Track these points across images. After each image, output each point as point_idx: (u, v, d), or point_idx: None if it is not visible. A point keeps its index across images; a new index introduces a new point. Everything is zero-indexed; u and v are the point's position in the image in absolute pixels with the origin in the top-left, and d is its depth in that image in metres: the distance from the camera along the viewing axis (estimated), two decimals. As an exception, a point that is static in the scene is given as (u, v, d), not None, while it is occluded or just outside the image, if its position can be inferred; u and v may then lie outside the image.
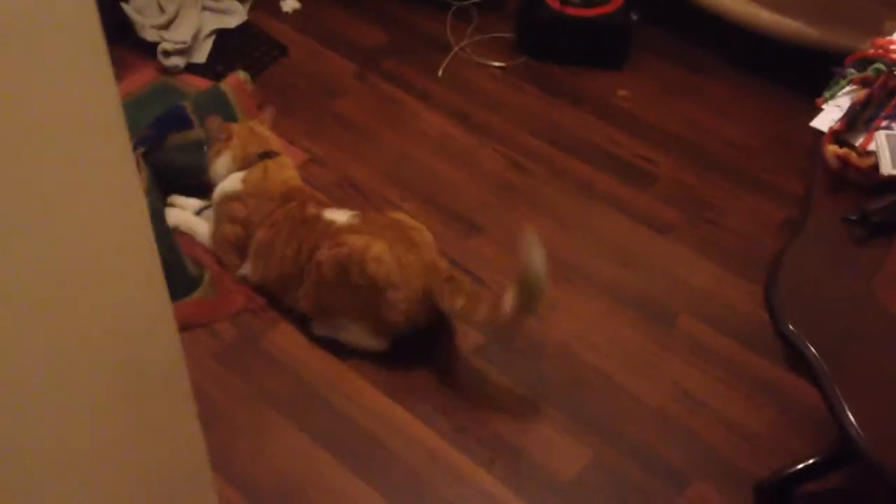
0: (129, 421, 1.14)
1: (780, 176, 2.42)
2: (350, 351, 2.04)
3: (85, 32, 0.86)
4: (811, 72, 2.57)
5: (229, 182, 2.18)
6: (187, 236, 2.25)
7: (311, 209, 2.08)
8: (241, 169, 2.19)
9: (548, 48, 2.73)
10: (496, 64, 2.75)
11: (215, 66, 2.70)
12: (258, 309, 2.12)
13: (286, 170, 2.21)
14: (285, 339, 2.09)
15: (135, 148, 2.29)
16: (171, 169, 2.31)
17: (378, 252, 1.92)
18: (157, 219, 2.19)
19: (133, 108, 2.58)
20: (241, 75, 2.60)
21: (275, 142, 2.26)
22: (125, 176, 0.98)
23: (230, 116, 2.47)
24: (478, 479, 1.87)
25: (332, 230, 2.01)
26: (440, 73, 2.72)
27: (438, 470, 1.88)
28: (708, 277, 2.21)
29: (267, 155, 2.20)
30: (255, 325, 2.11)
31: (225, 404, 1.98)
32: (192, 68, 2.70)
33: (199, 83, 2.65)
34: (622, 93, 2.66)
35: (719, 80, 2.70)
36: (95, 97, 0.90)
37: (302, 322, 2.10)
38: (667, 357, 2.06)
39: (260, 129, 2.26)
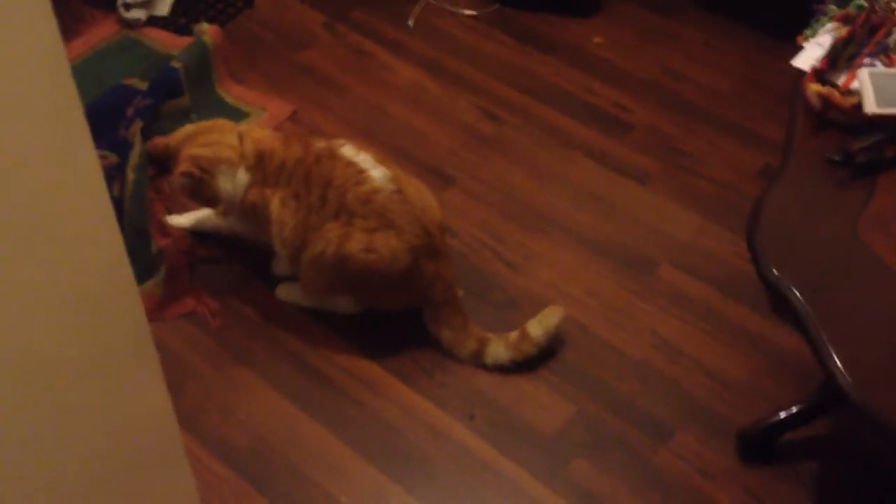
0: (93, 382, 1.10)
1: (757, 122, 2.39)
2: (323, 312, 2.00)
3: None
4: (786, 14, 2.53)
5: (239, 185, 1.93)
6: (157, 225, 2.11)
7: (318, 144, 1.92)
8: (239, 165, 1.94)
9: (521, -5, 2.67)
10: (468, 12, 2.68)
11: (178, 19, 2.62)
12: (210, 313, 2.01)
13: (258, 129, 2.04)
14: (258, 298, 2.04)
15: (132, 122, 2.22)
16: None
17: (404, 264, 1.85)
18: (139, 198, 2.11)
19: (93, 64, 2.50)
20: (206, 28, 2.52)
21: (225, 121, 2.05)
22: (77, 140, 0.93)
23: (208, 78, 2.40)
24: (457, 435, 1.84)
25: (366, 191, 1.84)
26: (411, 22, 2.65)
27: (417, 426, 1.84)
28: (687, 226, 2.17)
29: (240, 134, 1.98)
30: (228, 284, 2.06)
31: (197, 365, 1.94)
32: (154, 21, 2.61)
33: (162, 37, 2.57)
34: (597, 40, 2.60)
35: (694, 24, 2.64)
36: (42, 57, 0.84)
37: (274, 282, 2.05)
38: (646, 308, 2.03)
39: (213, 126, 2.01)
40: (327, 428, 1.84)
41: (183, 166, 1.92)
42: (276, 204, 1.90)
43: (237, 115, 2.38)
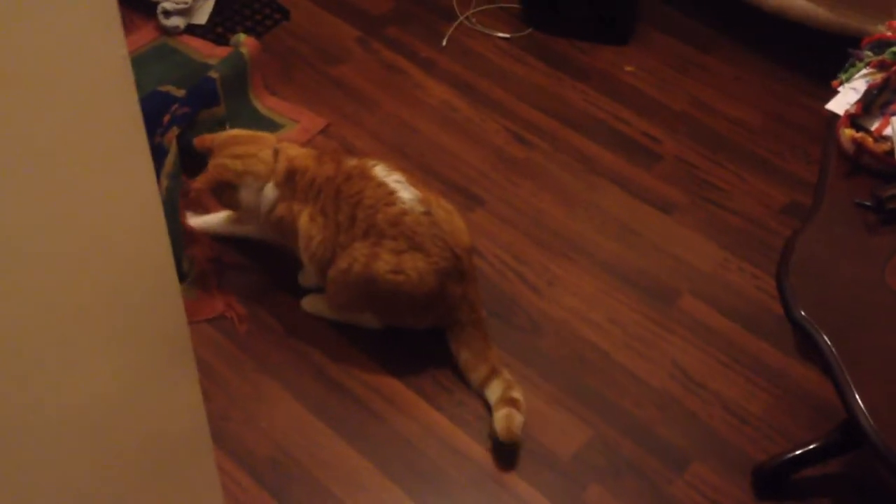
0: (132, 387, 1.13)
1: (785, 158, 2.40)
2: (348, 326, 2.02)
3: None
4: (819, 54, 2.56)
5: (266, 200, 1.97)
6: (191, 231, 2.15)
7: (350, 162, 1.94)
8: (268, 180, 1.97)
9: (554, 21, 2.70)
10: (501, 35, 2.71)
11: (216, 28, 2.66)
12: (237, 318, 2.04)
13: (298, 147, 2.05)
14: (284, 308, 2.06)
15: (168, 128, 2.25)
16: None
17: (430, 287, 1.87)
18: (172, 204, 2.14)
19: (132, 68, 2.54)
20: (243, 38, 2.56)
21: (265, 134, 2.09)
22: (134, 140, 0.96)
23: (244, 89, 2.43)
24: (475, 453, 1.86)
25: (395, 212, 1.86)
26: (444, 42, 2.68)
27: (434, 443, 1.87)
28: (710, 259, 2.19)
29: (276, 150, 2.00)
30: (254, 293, 2.09)
31: (223, 373, 1.96)
32: (192, 29, 2.65)
33: (199, 45, 2.61)
34: (629, 69, 2.62)
35: (726, 58, 2.67)
36: (105, 56, 0.87)
37: (300, 293, 2.08)
38: (667, 337, 2.04)
39: (249, 137, 2.05)
40: (347, 441, 1.87)
41: (203, 177, 1.97)
42: (305, 219, 1.93)
43: (270, 125, 2.42)
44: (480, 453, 1.86)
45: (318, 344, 2.01)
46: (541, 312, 2.08)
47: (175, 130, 2.24)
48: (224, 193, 2.00)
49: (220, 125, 2.33)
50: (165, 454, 1.26)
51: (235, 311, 2.05)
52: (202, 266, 2.09)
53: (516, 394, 1.86)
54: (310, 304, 2.06)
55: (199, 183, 2.01)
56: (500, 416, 1.84)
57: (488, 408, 1.89)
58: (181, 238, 2.11)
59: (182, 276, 2.07)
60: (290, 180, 1.96)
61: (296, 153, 2.00)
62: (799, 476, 1.81)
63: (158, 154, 2.21)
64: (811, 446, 1.77)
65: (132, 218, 1.00)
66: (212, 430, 1.85)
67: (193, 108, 2.31)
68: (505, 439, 1.82)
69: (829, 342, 1.23)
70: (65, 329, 0.97)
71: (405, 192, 1.90)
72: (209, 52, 2.58)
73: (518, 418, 1.83)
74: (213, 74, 2.39)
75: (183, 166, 2.22)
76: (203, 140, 2.09)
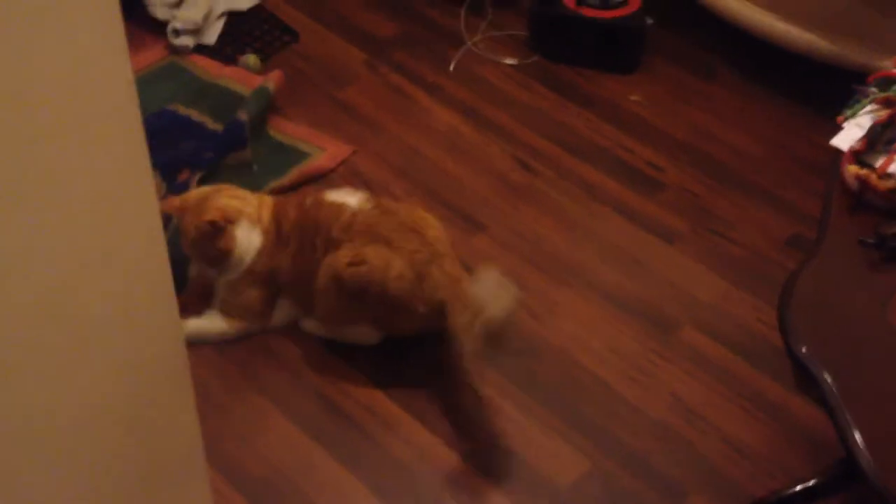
0: (127, 407, 1.12)
1: (788, 190, 2.40)
2: (345, 346, 2.02)
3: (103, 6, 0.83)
4: (823, 86, 2.56)
5: (251, 248, 1.98)
6: None
7: (307, 199, 2.01)
8: (256, 226, 1.99)
9: (561, 49, 2.71)
10: (508, 61, 2.72)
11: (224, 49, 2.67)
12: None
13: (267, 197, 2.08)
14: (283, 329, 2.06)
15: (192, 171, 2.25)
16: None
17: (399, 271, 1.86)
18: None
19: (139, 86, 2.52)
20: (252, 59, 2.57)
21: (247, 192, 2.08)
22: (136, 160, 0.96)
23: (264, 123, 2.44)
24: (471, 481, 1.85)
25: (346, 218, 1.93)
26: (452, 67, 2.69)
27: (431, 468, 1.85)
28: (712, 290, 2.18)
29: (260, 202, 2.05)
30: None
31: (218, 392, 1.96)
32: (200, 49, 2.66)
33: (207, 65, 2.62)
34: (634, 98, 2.63)
35: (732, 89, 2.67)
36: (109, 73, 0.87)
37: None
38: (667, 368, 2.04)
39: (230, 188, 2.06)
40: (341, 463, 1.86)
41: (210, 214, 1.93)
42: (285, 268, 1.98)
43: (296, 155, 2.39)
44: (477, 480, 1.84)
45: (314, 364, 2.01)
46: (540, 339, 2.07)
47: (198, 174, 2.23)
48: (217, 241, 1.94)
49: (247, 167, 2.32)
50: (159, 475, 1.25)
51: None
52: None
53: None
54: (308, 324, 2.05)
55: (202, 223, 1.93)
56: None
57: (487, 433, 1.88)
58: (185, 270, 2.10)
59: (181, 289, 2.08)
60: (275, 229, 1.99)
61: (274, 200, 2.05)
62: (797, 512, 1.80)
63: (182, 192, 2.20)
64: (810, 483, 1.75)
65: (132, 239, 1.01)
66: (206, 450, 1.85)
67: (219, 153, 2.29)
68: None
69: (829, 380, 1.23)
70: (59, 346, 0.97)
71: (351, 197, 1.96)
72: (217, 72, 2.59)
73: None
74: (243, 117, 2.35)
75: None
76: (171, 202, 2.02)
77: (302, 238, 1.97)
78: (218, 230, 1.94)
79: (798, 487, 1.75)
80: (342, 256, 1.88)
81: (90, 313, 0.98)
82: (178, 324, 1.14)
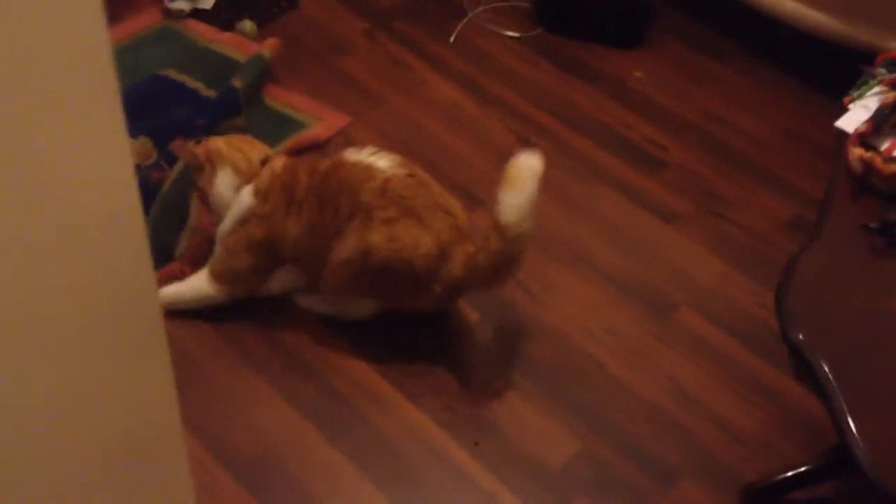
0: (101, 381, 1.09)
1: (792, 172, 2.36)
2: (339, 323, 1.99)
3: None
4: (832, 68, 2.51)
5: (238, 204, 1.92)
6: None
7: (322, 163, 1.90)
8: (247, 182, 1.93)
9: (565, 21, 2.65)
10: (511, 34, 2.67)
11: (221, 14, 2.62)
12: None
13: (283, 161, 1.98)
14: (273, 303, 2.03)
15: (185, 139, 2.20)
16: None
17: (427, 249, 1.81)
18: (176, 206, 2.10)
19: (132, 51, 2.51)
20: (248, 25, 2.52)
21: (263, 145, 2.03)
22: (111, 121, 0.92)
23: (260, 91, 2.39)
24: (460, 461, 1.82)
25: (378, 183, 1.81)
26: (453, 38, 2.64)
27: (420, 448, 1.83)
28: (712, 272, 2.15)
29: (268, 159, 1.97)
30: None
31: (206, 366, 1.93)
32: (196, 14, 2.61)
33: (203, 30, 2.57)
34: (638, 74, 2.58)
35: (738, 68, 2.62)
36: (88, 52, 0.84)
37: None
38: (663, 350, 2.00)
39: (246, 139, 2.01)
40: (330, 441, 1.83)
41: (198, 147, 1.94)
42: (292, 237, 1.90)
43: (292, 125, 2.35)
44: (466, 460, 1.82)
45: (305, 340, 1.98)
46: (536, 320, 2.04)
47: (191, 142, 2.18)
48: (202, 173, 1.94)
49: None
50: (134, 451, 1.22)
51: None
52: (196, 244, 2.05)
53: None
54: (303, 299, 2.01)
55: (193, 149, 1.96)
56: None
57: (481, 413, 1.86)
58: (174, 233, 2.07)
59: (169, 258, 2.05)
60: (271, 195, 1.91)
61: (282, 165, 1.95)
62: (789, 498, 1.77)
63: (173, 161, 2.16)
64: (803, 469, 1.72)
65: (107, 210, 0.97)
66: (192, 425, 1.83)
67: (212, 120, 2.25)
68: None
69: (826, 369, 1.19)
70: (30, 318, 0.94)
71: (381, 160, 1.86)
72: (213, 37, 2.54)
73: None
74: (237, 84, 2.31)
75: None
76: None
77: (321, 203, 1.86)
78: (199, 166, 1.93)
79: (790, 473, 1.73)
80: (377, 234, 1.80)
81: (58, 282, 0.95)
82: (155, 292, 1.10)
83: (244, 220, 1.91)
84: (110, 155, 0.95)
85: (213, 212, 1.98)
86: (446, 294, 1.88)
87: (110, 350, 1.08)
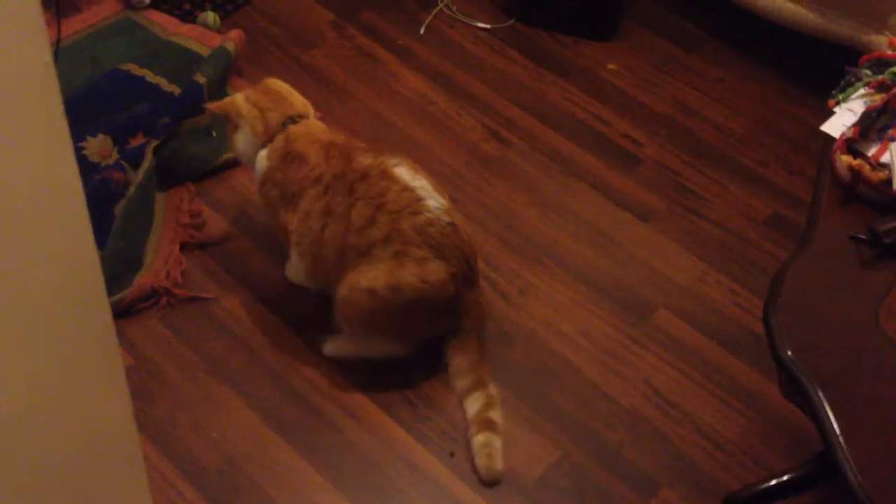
0: (50, 390, 1.03)
1: (768, 168, 2.32)
2: (309, 328, 1.92)
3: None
4: (806, 60, 2.48)
5: (258, 164, 1.89)
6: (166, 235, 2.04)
7: (365, 159, 1.81)
8: (265, 144, 1.89)
9: (537, 12, 2.59)
10: (482, 25, 2.60)
11: (183, 4, 2.52)
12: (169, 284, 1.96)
13: (312, 127, 1.92)
14: (242, 309, 1.96)
15: (147, 137, 2.12)
16: (182, 158, 2.13)
17: (446, 287, 1.79)
18: (142, 212, 2.04)
19: (90, 43, 2.41)
20: (211, 16, 2.44)
21: (298, 100, 1.95)
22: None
23: (223, 86, 2.31)
24: (434, 472, 1.77)
25: (422, 220, 1.77)
26: (423, 30, 2.57)
27: (395, 459, 1.78)
28: (688, 271, 2.11)
29: (291, 120, 1.89)
30: (213, 292, 1.99)
31: (170, 374, 1.86)
32: (157, 4, 2.52)
33: (164, 21, 2.48)
34: (612, 66, 2.53)
35: (712, 59, 2.57)
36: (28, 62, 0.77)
37: (259, 291, 1.98)
38: (640, 354, 1.96)
39: (277, 87, 1.96)
40: (301, 453, 1.77)
41: (218, 102, 1.97)
42: (300, 216, 1.83)
43: None
44: (441, 471, 1.77)
45: (276, 348, 1.91)
46: (510, 322, 1.99)
47: (154, 142, 2.10)
48: (228, 124, 1.94)
49: (206, 134, 2.20)
50: (86, 466, 1.16)
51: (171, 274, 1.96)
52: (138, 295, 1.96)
53: (494, 414, 1.78)
54: (332, 347, 1.90)
55: (211, 105, 1.98)
56: (479, 450, 1.75)
57: (457, 423, 1.81)
58: (137, 259, 1.99)
59: (140, 266, 1.97)
60: (286, 161, 1.85)
61: (301, 133, 1.87)
62: (771, 506, 1.74)
63: (135, 161, 2.08)
64: (785, 477, 1.69)
65: (55, 218, 0.91)
66: (156, 436, 1.77)
67: (176, 118, 2.16)
68: (486, 478, 1.74)
69: (817, 388, 1.15)
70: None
71: (431, 199, 1.80)
72: (174, 30, 2.45)
73: (497, 449, 1.75)
74: (200, 79, 2.22)
75: (159, 180, 2.09)
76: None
77: (351, 200, 1.78)
78: (224, 117, 1.94)
79: (773, 482, 1.69)
80: (410, 273, 1.76)
81: (7, 290, 0.88)
82: (105, 301, 1.04)
83: (263, 182, 1.89)
84: (58, 174, 0.88)
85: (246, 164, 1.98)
86: (445, 326, 1.87)
87: (59, 359, 1.02)
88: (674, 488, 1.77)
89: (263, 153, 1.88)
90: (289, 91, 1.96)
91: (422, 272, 1.76)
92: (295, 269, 1.91)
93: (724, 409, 1.89)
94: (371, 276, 1.76)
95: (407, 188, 1.79)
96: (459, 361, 1.85)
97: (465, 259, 1.83)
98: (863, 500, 1.13)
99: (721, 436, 1.85)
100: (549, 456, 1.80)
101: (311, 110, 1.96)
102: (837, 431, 1.17)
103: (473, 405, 1.80)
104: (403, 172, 1.81)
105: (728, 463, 1.81)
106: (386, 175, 1.80)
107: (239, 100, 1.93)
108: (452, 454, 1.79)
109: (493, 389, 1.82)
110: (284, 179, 1.85)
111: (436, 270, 1.77)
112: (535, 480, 1.76)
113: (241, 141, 1.92)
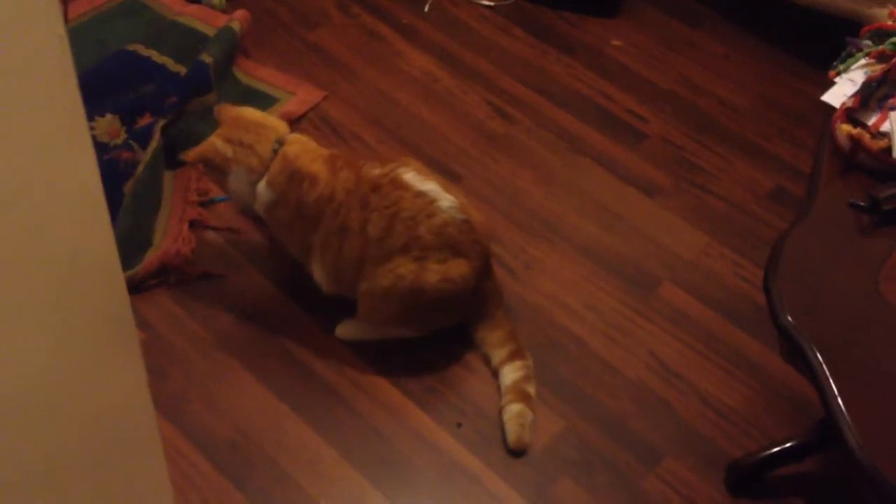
0: (66, 367, 1.05)
1: (773, 142, 2.34)
2: (318, 305, 1.95)
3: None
4: (810, 35, 2.49)
5: (259, 198, 1.85)
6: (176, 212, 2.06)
7: (374, 170, 1.82)
8: (262, 174, 1.84)
9: (541, -11, 2.60)
10: (486, 3, 2.61)
11: (188, -15, 2.54)
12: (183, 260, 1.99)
13: (304, 143, 1.88)
14: (252, 286, 1.99)
15: (154, 116, 2.14)
16: (189, 138, 2.13)
17: (467, 284, 1.83)
18: (150, 191, 2.05)
19: (97, 25, 2.43)
20: (238, 14, 2.44)
21: (274, 121, 1.91)
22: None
23: (230, 65, 2.32)
24: (442, 443, 1.80)
25: (438, 222, 1.78)
26: (427, 8, 2.58)
27: (403, 431, 1.80)
28: (692, 244, 2.13)
29: (279, 143, 1.85)
30: (222, 269, 2.01)
31: (184, 350, 1.89)
32: (162, -15, 2.53)
33: (170, 1, 2.49)
34: (616, 43, 2.54)
35: (716, 35, 2.58)
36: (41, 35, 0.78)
37: (268, 268, 2.00)
38: (645, 326, 1.98)
39: (247, 116, 1.89)
40: (311, 427, 1.80)
41: (194, 150, 1.87)
42: (321, 237, 1.83)
43: (264, 100, 2.28)
44: (448, 442, 1.79)
45: (286, 325, 1.94)
46: (516, 297, 2.01)
47: (161, 121, 2.12)
48: (213, 173, 1.90)
49: (210, 112, 2.22)
50: (104, 440, 1.18)
51: (181, 251, 1.97)
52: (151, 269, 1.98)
53: (531, 388, 1.82)
54: (344, 330, 1.92)
55: (189, 155, 1.89)
56: (513, 419, 1.78)
57: (465, 395, 1.83)
58: (147, 239, 2.01)
59: (149, 244, 2.00)
60: (294, 182, 1.83)
61: (299, 152, 1.85)
62: (774, 474, 1.76)
63: (146, 140, 2.10)
64: (788, 444, 1.72)
65: (69, 196, 0.93)
66: (170, 411, 1.79)
67: (183, 97, 2.17)
68: (514, 447, 1.77)
69: (817, 353, 1.17)
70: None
71: (443, 200, 1.81)
72: (180, 10, 2.47)
73: (529, 422, 1.79)
74: (207, 59, 2.23)
75: (167, 159, 2.11)
76: (218, 109, 1.93)
77: (366, 213, 1.79)
78: (207, 166, 1.89)
79: (776, 449, 1.72)
80: (433, 273, 1.79)
81: (22, 269, 0.90)
82: (121, 277, 1.06)
83: (271, 209, 1.86)
84: (73, 151, 0.90)
85: (238, 205, 1.97)
86: (474, 310, 1.91)
87: (74, 336, 1.05)
88: (678, 457, 1.80)
89: (262, 184, 1.84)
90: (261, 115, 1.92)
91: (444, 271, 1.80)
92: (318, 280, 1.90)
93: (728, 380, 1.91)
94: (393, 278, 1.79)
95: (419, 194, 1.81)
96: (493, 336, 1.88)
97: (483, 253, 1.86)
98: (863, 463, 1.15)
99: (725, 406, 1.87)
100: (554, 426, 1.82)
101: (287, 127, 1.93)
102: (837, 395, 1.19)
103: (511, 374, 1.83)
104: (413, 178, 1.82)
105: (732, 432, 1.83)
106: (397, 184, 1.80)
107: (219, 144, 1.85)
108: (460, 425, 1.81)
109: (530, 360, 1.86)
110: (300, 202, 1.82)
111: (457, 266, 1.81)
112: (541, 451, 1.79)
113: (236, 182, 1.86)
